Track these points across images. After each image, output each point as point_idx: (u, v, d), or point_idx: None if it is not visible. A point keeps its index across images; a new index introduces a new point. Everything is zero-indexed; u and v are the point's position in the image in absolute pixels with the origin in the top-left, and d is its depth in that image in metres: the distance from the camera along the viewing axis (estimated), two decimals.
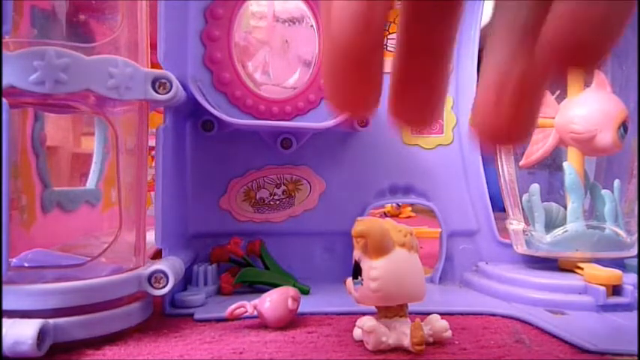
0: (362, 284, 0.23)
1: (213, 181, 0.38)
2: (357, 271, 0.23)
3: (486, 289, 0.36)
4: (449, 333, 0.25)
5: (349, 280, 0.24)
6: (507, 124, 0.15)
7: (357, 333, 0.26)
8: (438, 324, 0.25)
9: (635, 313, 0.30)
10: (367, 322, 0.24)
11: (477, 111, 0.15)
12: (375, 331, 0.23)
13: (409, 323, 0.24)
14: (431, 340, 0.25)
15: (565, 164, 0.36)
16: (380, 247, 0.22)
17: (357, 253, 0.23)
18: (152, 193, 0.30)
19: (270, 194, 0.39)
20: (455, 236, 0.40)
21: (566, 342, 0.26)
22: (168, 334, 0.27)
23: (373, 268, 0.22)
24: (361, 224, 0.22)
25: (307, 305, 0.31)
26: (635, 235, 0.35)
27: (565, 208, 0.36)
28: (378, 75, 0.16)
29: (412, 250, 0.23)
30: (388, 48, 0.39)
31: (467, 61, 0.40)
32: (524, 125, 0.15)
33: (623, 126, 0.34)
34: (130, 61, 0.27)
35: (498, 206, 0.40)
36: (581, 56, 0.13)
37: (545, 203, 0.37)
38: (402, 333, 0.24)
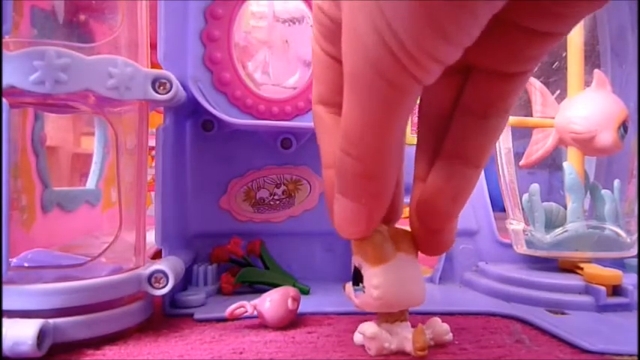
0: (363, 291, 0.22)
1: (213, 181, 0.38)
2: (357, 278, 0.23)
3: (486, 289, 0.36)
4: (450, 336, 0.25)
5: (349, 286, 0.24)
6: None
7: (357, 338, 0.25)
8: (439, 327, 0.25)
9: (635, 313, 0.30)
10: (369, 328, 0.23)
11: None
12: (377, 338, 0.23)
13: (409, 327, 0.24)
14: (432, 343, 0.25)
15: (565, 164, 0.36)
16: (381, 254, 0.22)
17: (356, 259, 0.23)
18: (152, 193, 0.30)
19: (270, 194, 0.39)
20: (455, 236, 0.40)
21: (566, 342, 0.26)
22: (168, 334, 0.27)
23: (375, 275, 0.22)
24: None
25: (307, 305, 0.31)
26: (635, 235, 0.35)
27: (565, 208, 0.36)
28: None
29: (411, 253, 0.23)
30: None
31: None
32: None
33: (623, 126, 0.34)
34: (130, 61, 0.27)
35: (498, 206, 0.40)
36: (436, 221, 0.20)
37: (545, 203, 0.37)
38: (404, 338, 0.23)
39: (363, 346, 0.25)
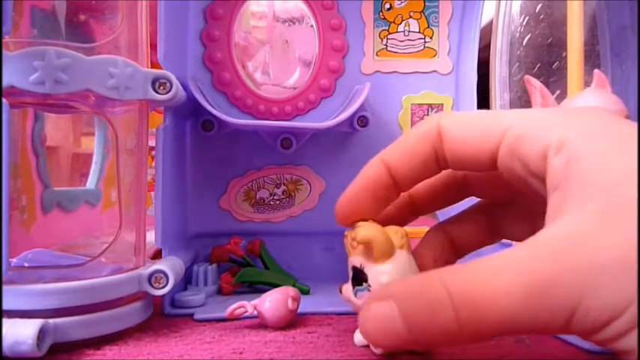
0: (369, 290, 0.22)
1: (213, 181, 0.38)
2: (359, 278, 0.23)
3: None
4: None
5: (346, 288, 0.24)
6: None
7: (358, 338, 0.25)
8: None
9: None
10: None
11: None
12: None
13: None
14: None
15: None
16: (386, 251, 0.22)
17: (357, 259, 0.22)
18: (152, 193, 0.31)
19: (270, 194, 0.39)
20: None
21: (566, 342, 0.26)
22: (169, 334, 0.27)
23: (383, 273, 0.22)
24: (364, 230, 0.22)
25: (307, 305, 0.31)
26: None
27: None
28: None
29: (408, 248, 0.23)
30: (388, 48, 0.39)
31: (467, 61, 0.40)
32: None
33: None
34: (130, 61, 0.27)
35: None
36: None
37: None
38: None
39: (363, 346, 0.25)
